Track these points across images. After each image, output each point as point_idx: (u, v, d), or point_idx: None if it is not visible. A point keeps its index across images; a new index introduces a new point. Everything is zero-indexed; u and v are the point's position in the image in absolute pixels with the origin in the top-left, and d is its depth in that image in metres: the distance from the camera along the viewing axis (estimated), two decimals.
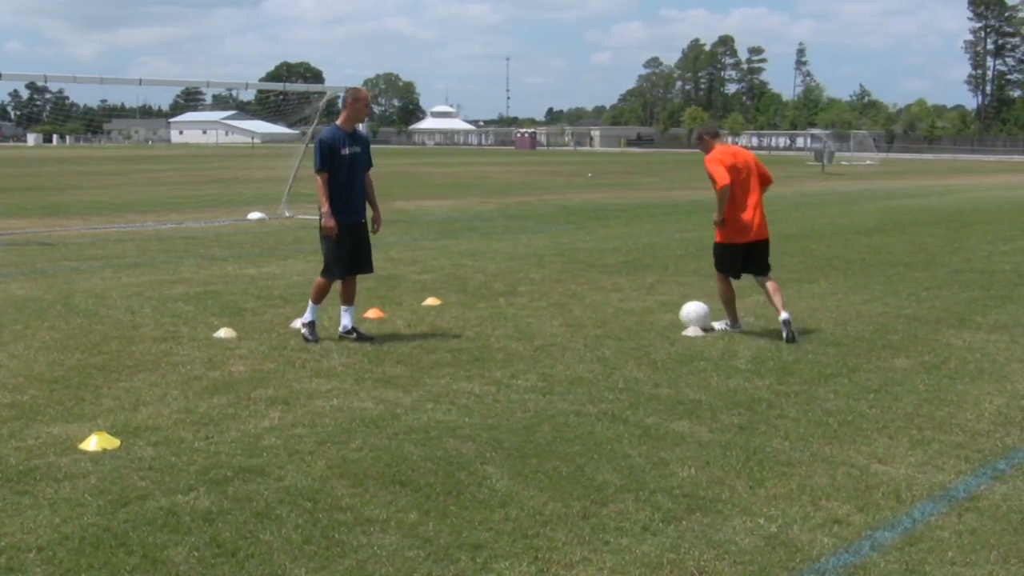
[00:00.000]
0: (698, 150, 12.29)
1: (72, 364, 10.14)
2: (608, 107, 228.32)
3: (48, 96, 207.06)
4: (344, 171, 11.12)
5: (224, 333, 11.45)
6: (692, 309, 12.05)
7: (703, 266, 17.25)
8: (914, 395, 9.16)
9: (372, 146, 11.88)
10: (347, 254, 11.26)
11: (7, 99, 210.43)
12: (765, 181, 12.29)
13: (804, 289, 15.05)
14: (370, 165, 11.60)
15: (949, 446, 7.74)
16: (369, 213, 11.55)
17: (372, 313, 12.75)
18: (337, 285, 11.47)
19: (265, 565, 5.54)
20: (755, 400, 8.90)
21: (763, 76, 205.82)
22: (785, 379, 9.64)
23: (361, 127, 11.88)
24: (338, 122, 11.25)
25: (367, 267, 11.63)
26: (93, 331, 11.78)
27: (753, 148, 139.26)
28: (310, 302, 11.37)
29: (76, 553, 5.69)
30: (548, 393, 9.12)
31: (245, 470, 7.05)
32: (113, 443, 7.54)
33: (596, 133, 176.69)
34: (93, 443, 7.49)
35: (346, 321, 11.41)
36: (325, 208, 11.14)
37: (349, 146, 11.14)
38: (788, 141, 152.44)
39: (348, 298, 11.47)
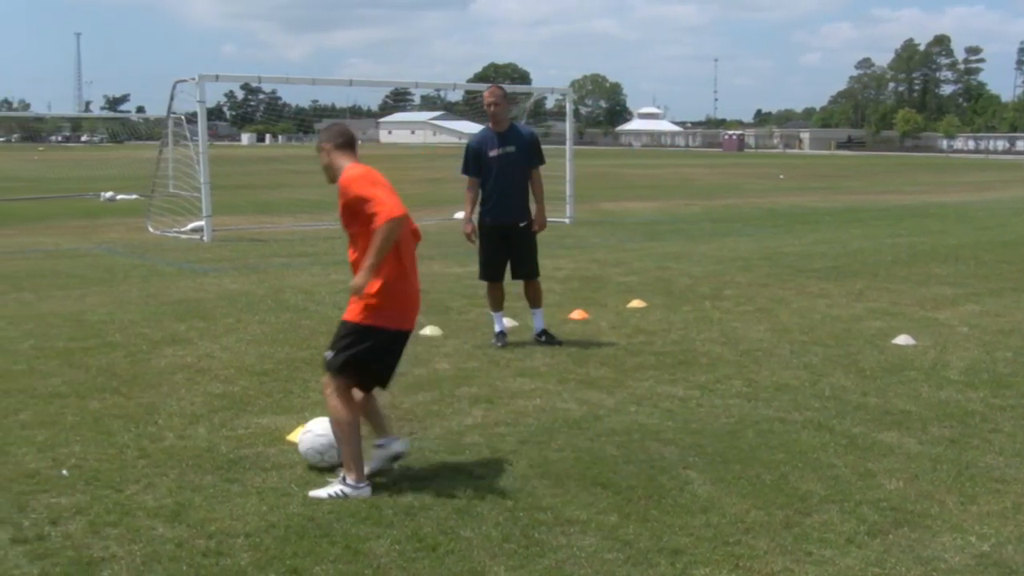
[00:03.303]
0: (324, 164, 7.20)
1: (281, 357, 10.40)
2: (818, 109, 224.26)
3: (262, 97, 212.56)
4: (492, 173, 11.04)
5: (429, 331, 11.59)
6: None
7: (914, 273, 16.83)
8: None
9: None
10: (496, 258, 11.20)
11: (223, 100, 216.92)
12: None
13: (1023, 299, 14.48)
14: (532, 163, 11.19)
15: None
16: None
17: (576, 314, 12.76)
18: (521, 288, 11.49)
19: (464, 561, 5.58)
20: (967, 413, 8.60)
21: (980, 77, 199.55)
22: (1000, 392, 9.29)
23: (524, 125, 11.75)
24: (490, 124, 11.24)
25: (525, 271, 11.34)
26: (302, 326, 12.06)
27: (970, 152, 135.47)
28: (490, 312, 11.46)
29: (281, 541, 5.82)
30: (752, 399, 8.98)
31: (447, 466, 7.12)
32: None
33: (805, 135, 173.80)
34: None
35: (535, 324, 11.36)
36: (464, 212, 11.26)
37: (499, 147, 11.02)
38: (1007, 144, 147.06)
39: (530, 300, 11.43)
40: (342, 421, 6.66)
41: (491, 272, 11.24)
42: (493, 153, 11.01)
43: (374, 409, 7.17)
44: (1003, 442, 7.80)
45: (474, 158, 11.08)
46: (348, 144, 7.08)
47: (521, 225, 11.19)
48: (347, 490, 6.54)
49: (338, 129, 7.21)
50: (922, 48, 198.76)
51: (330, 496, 6.50)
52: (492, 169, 11.02)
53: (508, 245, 11.16)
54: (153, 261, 18.43)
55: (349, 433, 6.65)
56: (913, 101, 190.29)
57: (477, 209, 11.22)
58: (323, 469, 7.00)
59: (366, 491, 6.58)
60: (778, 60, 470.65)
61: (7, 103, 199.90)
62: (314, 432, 7.14)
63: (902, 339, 11.37)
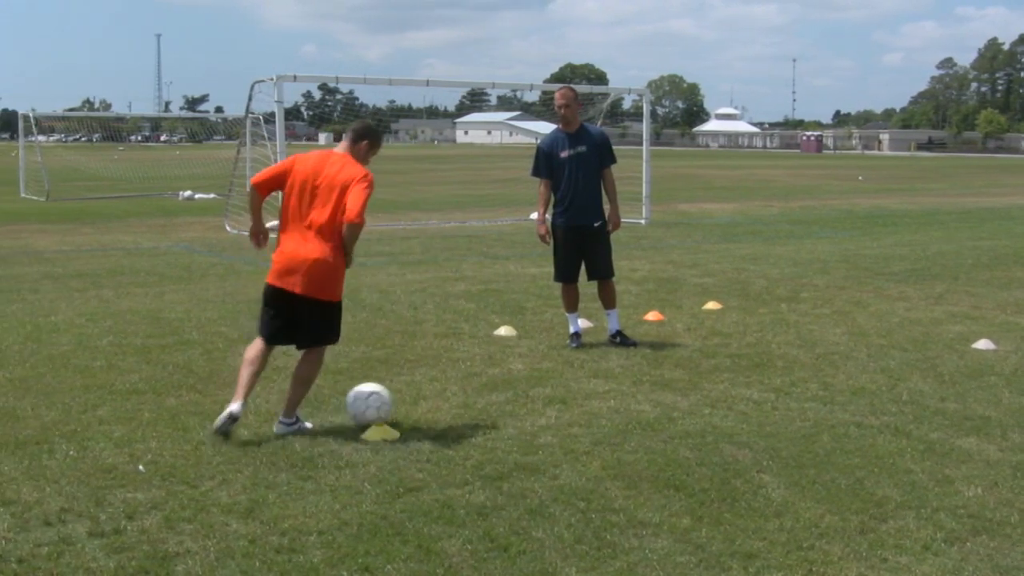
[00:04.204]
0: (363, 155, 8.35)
1: (356, 356, 10.45)
2: (898, 110, 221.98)
3: (339, 97, 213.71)
4: (564, 174, 11.02)
5: (504, 331, 11.61)
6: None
7: (996, 276, 16.58)
8: None
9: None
10: (571, 259, 11.16)
11: (300, 100, 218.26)
12: None
13: None
14: (604, 163, 11.21)
15: None
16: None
17: (652, 316, 12.71)
18: (594, 291, 11.45)
19: (536, 562, 5.57)
20: None
21: None
22: None
23: (594, 125, 11.74)
24: (560, 125, 11.22)
25: (601, 272, 11.35)
26: (377, 325, 12.12)
27: None
28: (565, 313, 11.43)
29: (354, 539, 5.85)
30: (828, 403, 8.89)
31: (520, 467, 7.12)
32: (393, 435, 7.73)
33: (885, 136, 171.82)
34: (374, 434, 7.69)
35: (609, 325, 11.34)
36: (537, 213, 11.25)
37: (570, 148, 11.01)
38: None
39: (604, 301, 11.40)
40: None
41: (566, 273, 11.23)
42: (564, 154, 11.00)
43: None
44: None
45: (545, 160, 11.09)
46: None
47: (595, 225, 11.16)
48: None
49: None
50: (1006, 47, 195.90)
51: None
52: (564, 170, 11.01)
53: (582, 246, 11.14)
54: (230, 259, 18.62)
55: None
56: (996, 102, 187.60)
57: (550, 210, 11.22)
58: (380, 449, 7.04)
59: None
60: (858, 60, 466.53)
61: (89, 103, 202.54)
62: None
63: (982, 343, 11.20)
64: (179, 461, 7.17)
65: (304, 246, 7.86)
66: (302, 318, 7.99)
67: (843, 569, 5.53)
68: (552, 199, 11.17)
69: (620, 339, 11.16)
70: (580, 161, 11.02)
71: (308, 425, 8.02)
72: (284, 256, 7.94)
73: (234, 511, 6.26)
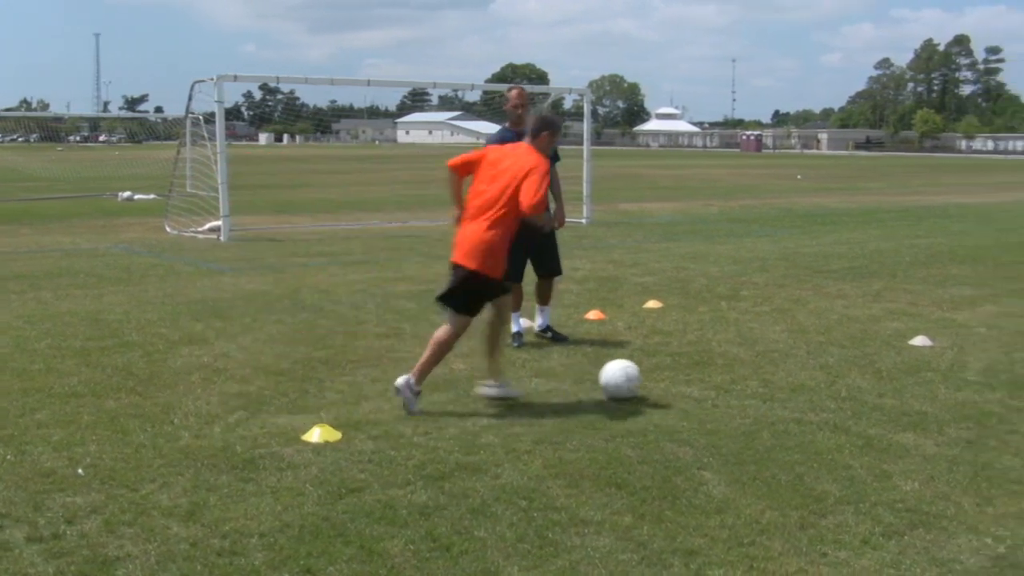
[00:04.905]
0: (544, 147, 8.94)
1: (297, 357, 10.41)
2: (836, 109, 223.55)
3: (280, 97, 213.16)
4: None
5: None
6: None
7: (933, 274, 16.78)
8: None
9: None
10: (519, 257, 11.15)
11: (241, 100, 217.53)
12: None
13: None
14: (553, 161, 11.29)
15: None
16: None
17: (593, 315, 12.75)
18: (532, 288, 11.44)
19: (479, 561, 5.58)
20: (985, 414, 8.56)
21: (1000, 77, 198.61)
22: (1018, 393, 9.24)
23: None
24: (507, 123, 11.23)
25: (552, 269, 11.47)
26: (318, 326, 12.08)
27: (989, 152, 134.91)
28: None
29: (296, 540, 5.83)
30: (769, 400, 8.96)
31: (462, 466, 7.12)
32: (335, 435, 7.71)
33: (823, 136, 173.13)
34: (316, 435, 7.68)
35: (540, 320, 11.40)
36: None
37: None
38: None
39: (543, 298, 11.44)
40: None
41: (517, 272, 11.23)
42: None
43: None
44: (1020, 443, 7.77)
45: None
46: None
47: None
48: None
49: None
50: (942, 48, 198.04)
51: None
52: None
53: (531, 244, 11.16)
54: (171, 260, 18.48)
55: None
56: (932, 102, 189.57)
57: None
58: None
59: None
60: (798, 60, 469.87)
61: (26, 103, 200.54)
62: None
63: (920, 340, 11.33)
64: (119, 464, 7.11)
65: (475, 224, 8.70)
66: (456, 284, 8.77)
67: (784, 564, 5.57)
68: None
69: (552, 334, 11.21)
70: None
71: (516, 392, 8.93)
72: (460, 233, 8.88)
73: (175, 514, 6.22)
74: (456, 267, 8.75)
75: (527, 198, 8.40)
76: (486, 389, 8.92)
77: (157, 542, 5.79)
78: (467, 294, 8.70)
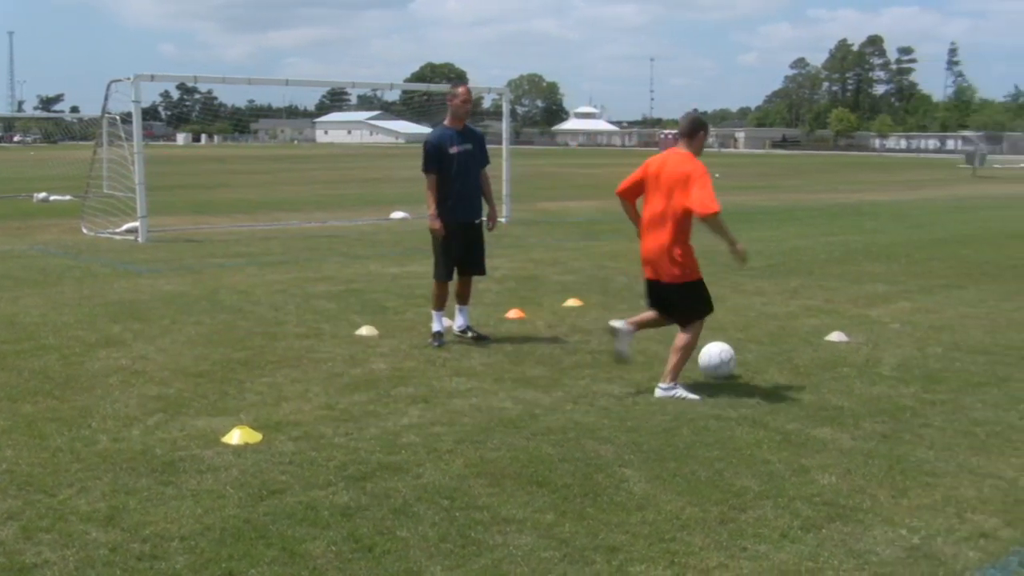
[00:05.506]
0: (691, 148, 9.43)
1: (217, 359, 10.34)
2: (753, 108, 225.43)
3: (198, 97, 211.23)
4: (454, 170, 11.07)
5: (366, 331, 11.57)
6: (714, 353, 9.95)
7: (848, 271, 17.01)
8: None
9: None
10: (456, 255, 11.23)
11: (158, 100, 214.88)
12: None
13: (953, 295, 14.67)
14: (485, 163, 11.45)
15: None
16: (485, 211, 11.51)
17: (513, 313, 12.78)
18: (454, 286, 11.46)
19: (401, 562, 5.58)
20: (899, 408, 8.70)
21: (913, 77, 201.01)
22: (931, 387, 9.41)
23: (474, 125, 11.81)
24: (445, 122, 11.26)
25: (479, 269, 11.52)
26: (237, 327, 12.00)
27: (902, 151, 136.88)
28: (432, 311, 11.36)
29: (217, 543, 5.79)
30: None
31: (384, 467, 7.11)
32: (255, 437, 7.67)
33: (740, 135, 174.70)
34: (236, 437, 7.63)
35: (460, 320, 11.42)
36: (431, 210, 11.17)
37: (459, 144, 11.09)
38: (938, 143, 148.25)
39: (463, 297, 11.47)
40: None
41: (449, 271, 11.25)
42: (454, 150, 11.04)
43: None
44: (934, 436, 7.90)
45: (436, 154, 11.07)
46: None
47: (477, 222, 11.34)
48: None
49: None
50: (856, 48, 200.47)
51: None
52: (452, 166, 11.04)
53: (466, 243, 11.20)
54: (88, 262, 18.26)
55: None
56: (847, 101, 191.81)
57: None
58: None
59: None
60: (716, 60, 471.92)
61: None
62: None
63: (836, 336, 11.49)
64: (36, 469, 7.02)
65: (652, 238, 9.16)
66: (671, 300, 9.26)
67: (704, 559, 5.63)
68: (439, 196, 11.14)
69: (473, 334, 11.23)
70: (468, 158, 11.14)
71: (694, 396, 8.96)
72: (643, 251, 9.29)
73: (94, 519, 6.15)
74: (658, 285, 9.30)
75: (702, 208, 8.83)
76: (617, 323, 9.54)
77: (76, 548, 5.73)
78: (688, 303, 9.29)
